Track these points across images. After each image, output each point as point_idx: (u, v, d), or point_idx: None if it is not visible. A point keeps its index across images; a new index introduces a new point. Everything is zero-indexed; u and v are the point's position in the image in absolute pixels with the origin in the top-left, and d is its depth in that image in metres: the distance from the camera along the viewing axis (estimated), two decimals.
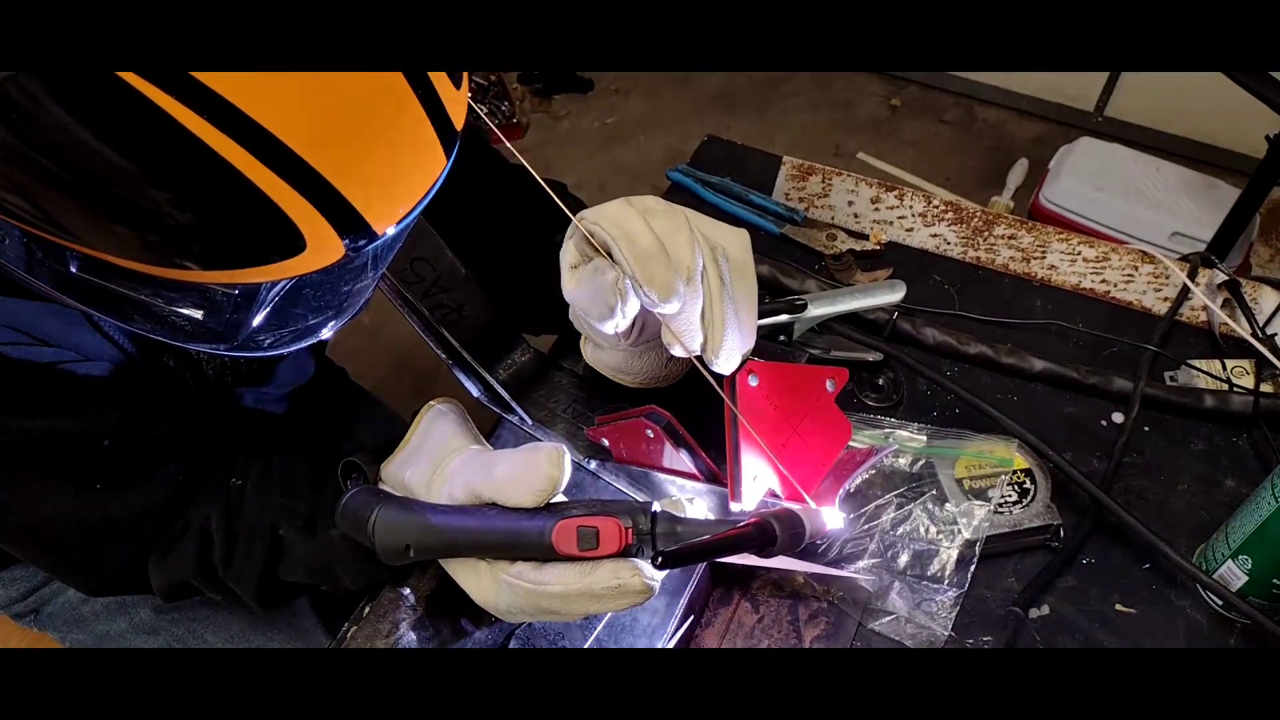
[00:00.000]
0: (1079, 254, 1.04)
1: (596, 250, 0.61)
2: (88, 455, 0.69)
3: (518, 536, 0.60)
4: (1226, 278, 0.99)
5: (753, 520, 0.60)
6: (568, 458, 0.61)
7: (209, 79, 0.41)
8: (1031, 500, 0.80)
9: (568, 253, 0.64)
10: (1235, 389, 0.90)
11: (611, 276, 0.59)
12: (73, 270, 0.49)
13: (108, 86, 0.40)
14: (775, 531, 0.60)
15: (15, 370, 0.63)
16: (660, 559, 0.55)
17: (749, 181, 1.12)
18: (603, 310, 0.61)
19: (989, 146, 2.69)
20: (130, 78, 0.40)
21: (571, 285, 0.63)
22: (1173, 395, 0.90)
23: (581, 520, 0.59)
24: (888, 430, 0.86)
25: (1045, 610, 0.77)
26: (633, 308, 0.61)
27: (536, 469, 0.60)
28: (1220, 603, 0.76)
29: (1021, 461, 0.82)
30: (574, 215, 0.62)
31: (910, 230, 1.08)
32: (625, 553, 0.59)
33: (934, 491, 0.81)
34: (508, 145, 0.65)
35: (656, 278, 0.58)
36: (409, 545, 0.62)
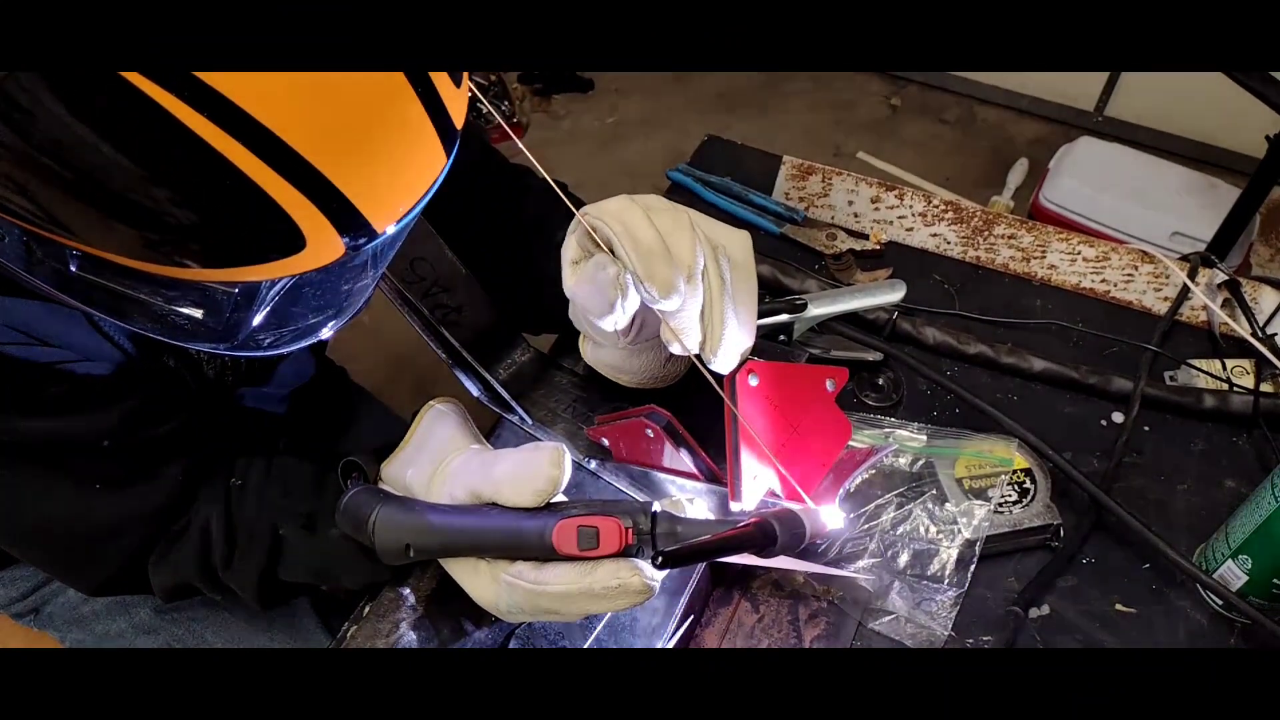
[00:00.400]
0: (1079, 254, 1.04)
1: (598, 246, 0.61)
2: (88, 455, 0.69)
3: (518, 536, 0.60)
4: (1226, 277, 0.99)
5: (753, 520, 0.60)
6: (568, 457, 0.61)
7: (210, 78, 0.41)
8: (1031, 500, 0.80)
9: (569, 248, 0.64)
10: (1235, 389, 0.90)
11: (613, 272, 0.59)
12: (73, 269, 0.49)
13: (109, 85, 0.40)
14: (775, 531, 0.60)
15: (15, 370, 0.63)
16: (660, 559, 0.55)
17: (749, 181, 1.12)
18: (603, 306, 0.61)
19: (989, 146, 2.69)
20: (132, 76, 0.40)
21: (572, 280, 0.63)
22: (1173, 395, 0.90)
23: (582, 520, 0.59)
24: (888, 430, 0.86)
25: (1045, 610, 0.77)
26: (633, 304, 0.61)
27: (537, 469, 0.60)
28: (1220, 603, 0.76)
29: (1021, 461, 0.82)
30: (577, 211, 0.62)
31: (910, 230, 1.08)
32: (625, 552, 0.59)
33: (934, 491, 0.81)
34: (519, 144, 0.65)
35: (657, 274, 0.58)
36: (409, 545, 0.62)
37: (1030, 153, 2.54)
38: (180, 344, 0.54)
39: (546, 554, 0.59)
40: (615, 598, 0.58)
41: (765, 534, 0.60)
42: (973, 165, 2.63)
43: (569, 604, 0.59)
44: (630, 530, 0.58)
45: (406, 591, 0.76)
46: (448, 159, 0.53)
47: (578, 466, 0.80)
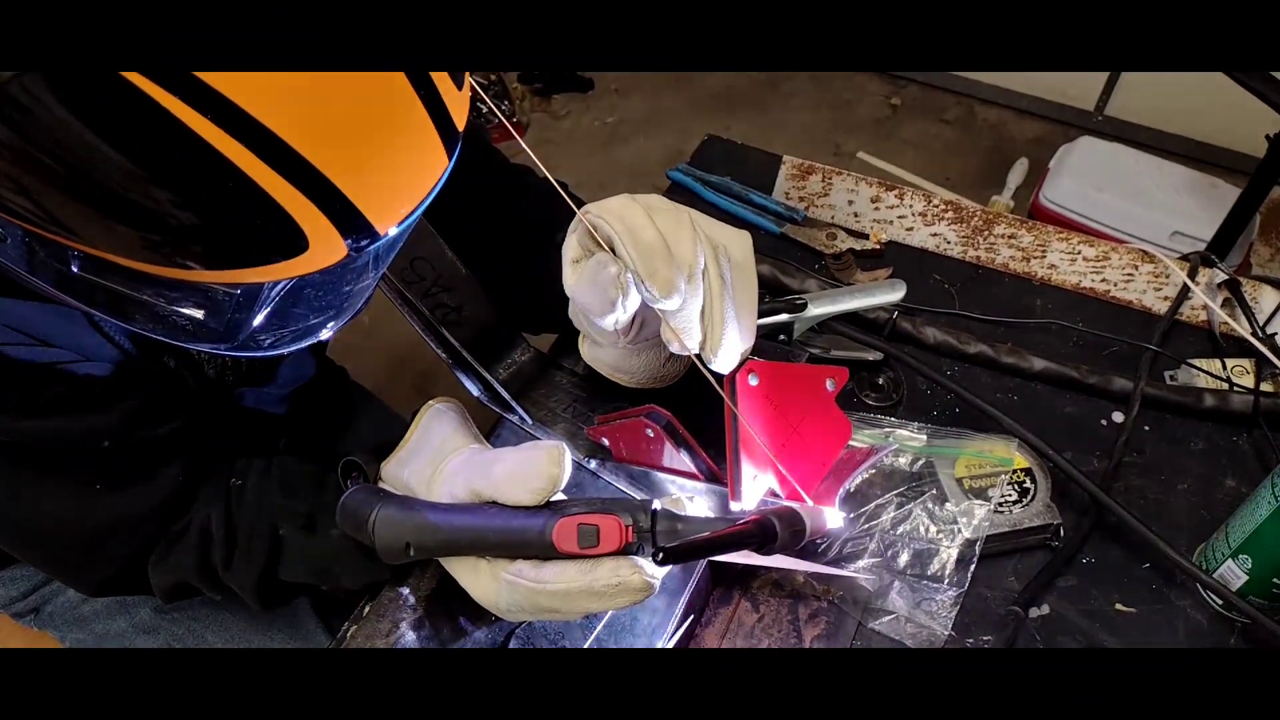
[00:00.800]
0: (1079, 253, 1.04)
1: (599, 245, 0.61)
2: (88, 456, 0.69)
3: (518, 535, 0.60)
4: (1226, 277, 0.99)
5: (753, 518, 0.60)
6: (568, 455, 0.61)
7: (212, 79, 0.41)
8: (1031, 500, 0.80)
9: (570, 247, 0.64)
10: (1235, 388, 0.90)
11: (614, 270, 0.59)
12: (75, 270, 0.49)
13: (111, 86, 0.40)
14: (776, 529, 0.60)
15: (16, 370, 0.63)
16: (661, 555, 0.55)
17: (749, 181, 1.12)
18: (604, 305, 0.61)
19: (989, 146, 2.69)
20: (134, 77, 0.40)
21: (573, 279, 0.63)
22: (1173, 395, 0.90)
23: (582, 518, 0.58)
24: (888, 430, 0.86)
25: (1045, 610, 0.77)
26: (633, 303, 0.61)
27: (536, 467, 0.60)
28: (1220, 603, 0.76)
29: (1021, 461, 0.82)
30: (578, 210, 0.62)
31: (910, 230, 1.08)
32: (626, 550, 0.59)
33: (934, 491, 0.81)
34: (520, 143, 0.65)
35: (658, 273, 0.58)
36: (409, 544, 0.62)
37: (1030, 153, 2.54)
38: (181, 344, 0.54)
39: (546, 552, 0.59)
40: (616, 595, 0.58)
41: (765, 531, 0.60)
42: (973, 165, 2.63)
43: (569, 602, 0.59)
44: (630, 528, 0.58)
45: (406, 591, 0.76)
46: (449, 160, 0.53)
47: (578, 466, 0.80)
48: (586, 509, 0.59)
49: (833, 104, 2.86)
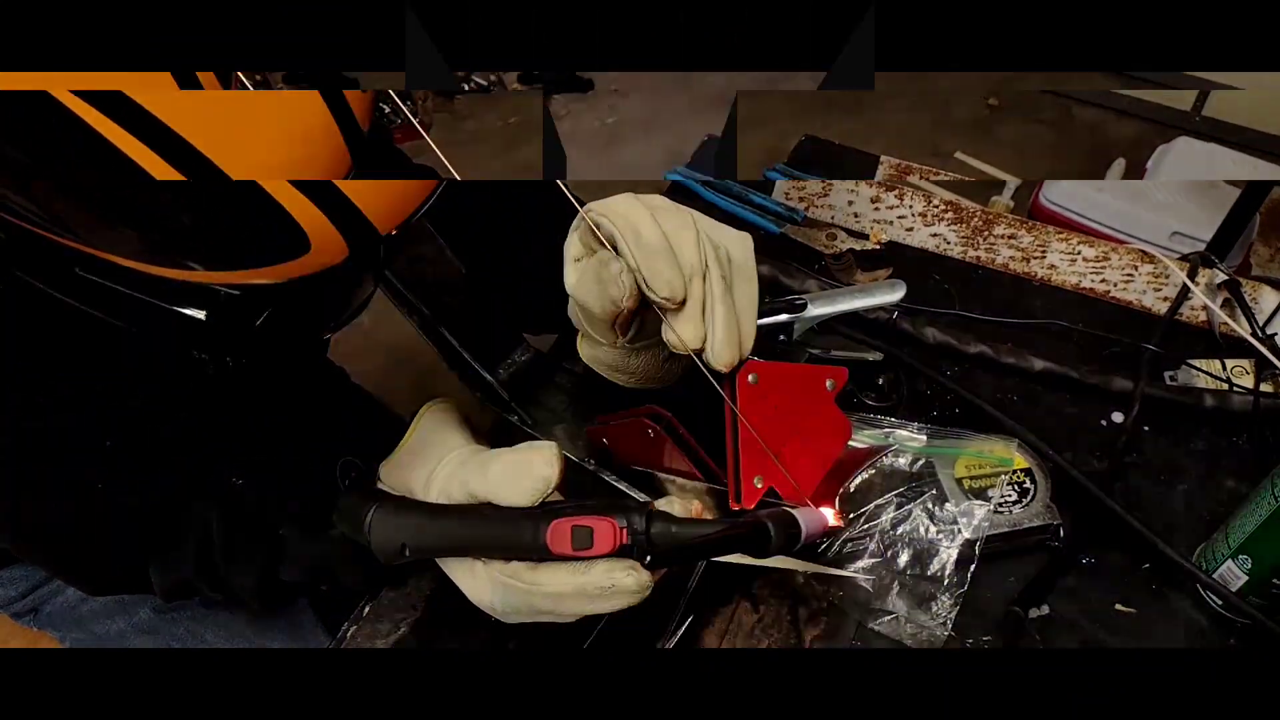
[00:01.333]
0: (1079, 254, 1.04)
1: (601, 243, 0.61)
2: (89, 455, 0.69)
3: (512, 536, 0.60)
4: (1226, 277, 0.99)
5: (748, 520, 0.60)
6: (562, 456, 0.60)
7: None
8: (1031, 500, 0.80)
9: (572, 245, 0.64)
10: (1235, 389, 0.90)
11: (615, 269, 0.59)
12: (76, 270, 0.49)
13: (108, 97, 0.40)
14: (770, 532, 0.60)
15: (17, 370, 0.63)
16: (653, 558, 0.55)
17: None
18: (604, 304, 0.61)
19: (1086, 146, 2.64)
20: (130, 87, 0.40)
21: (574, 278, 0.63)
22: (1173, 395, 0.90)
23: (575, 519, 0.58)
24: (888, 430, 0.86)
25: (1045, 610, 0.77)
26: (634, 302, 0.61)
27: (530, 468, 0.60)
28: (1220, 603, 0.76)
29: (1021, 461, 0.82)
30: (581, 208, 0.62)
31: (910, 230, 1.08)
32: (620, 552, 0.58)
33: (934, 491, 0.81)
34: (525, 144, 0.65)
35: (661, 273, 0.58)
36: (405, 545, 0.62)
37: (1128, 153, 2.48)
38: (183, 345, 0.54)
39: (541, 554, 0.59)
40: (609, 598, 0.58)
41: (759, 534, 0.60)
42: (1070, 166, 2.56)
43: (562, 604, 0.59)
44: (625, 530, 0.58)
45: (407, 591, 0.76)
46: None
47: (578, 467, 0.80)
48: (581, 510, 0.59)
49: (930, 104, 2.81)
